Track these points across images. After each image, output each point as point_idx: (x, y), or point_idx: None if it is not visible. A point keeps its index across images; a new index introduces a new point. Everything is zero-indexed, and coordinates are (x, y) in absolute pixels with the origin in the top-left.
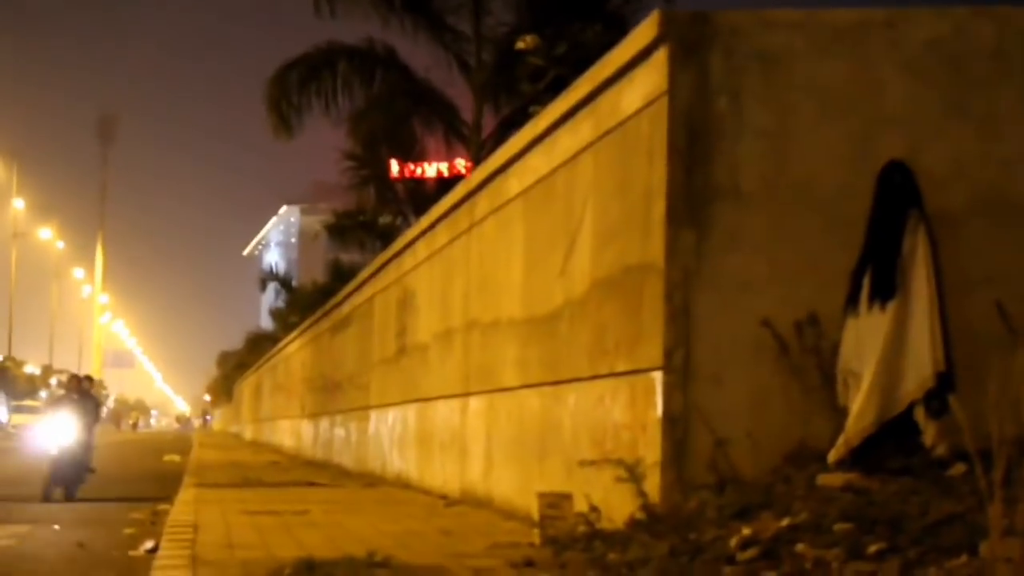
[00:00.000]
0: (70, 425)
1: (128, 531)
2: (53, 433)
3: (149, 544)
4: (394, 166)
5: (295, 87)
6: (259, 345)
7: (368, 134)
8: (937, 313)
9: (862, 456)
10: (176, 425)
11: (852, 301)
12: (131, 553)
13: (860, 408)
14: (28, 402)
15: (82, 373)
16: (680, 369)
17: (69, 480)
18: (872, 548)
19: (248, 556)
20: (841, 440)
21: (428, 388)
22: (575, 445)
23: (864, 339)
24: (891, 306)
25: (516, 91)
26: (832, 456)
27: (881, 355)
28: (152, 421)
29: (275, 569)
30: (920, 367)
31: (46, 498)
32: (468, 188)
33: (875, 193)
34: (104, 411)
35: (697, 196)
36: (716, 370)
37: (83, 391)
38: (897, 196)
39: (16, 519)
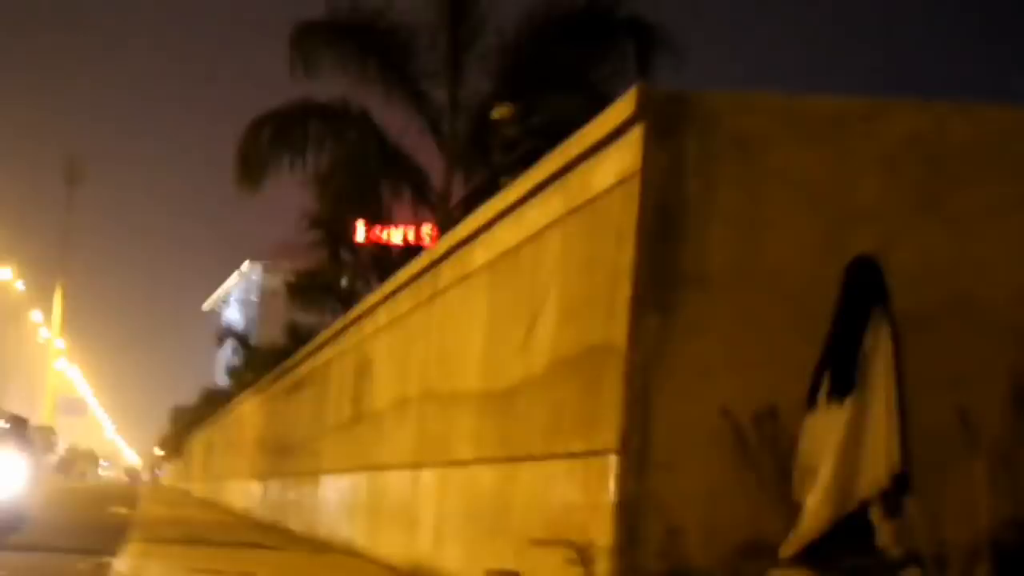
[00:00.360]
0: (10, 469)
1: None
2: None
3: None
4: (360, 229)
5: (265, 142)
6: (213, 402)
7: (335, 195)
8: (895, 413)
9: (815, 553)
10: (125, 477)
11: (812, 397)
12: None
13: (815, 505)
14: None
15: (30, 417)
16: (636, 454)
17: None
18: None
19: None
20: (794, 536)
21: (381, 457)
22: (526, 523)
23: (821, 435)
24: (848, 403)
25: (488, 160)
26: (785, 551)
27: (836, 452)
28: (101, 472)
29: None
30: (876, 466)
31: None
32: (432, 257)
33: (841, 288)
34: (54, 458)
35: (664, 280)
36: (672, 457)
37: (19, 433)
38: (862, 292)
39: None
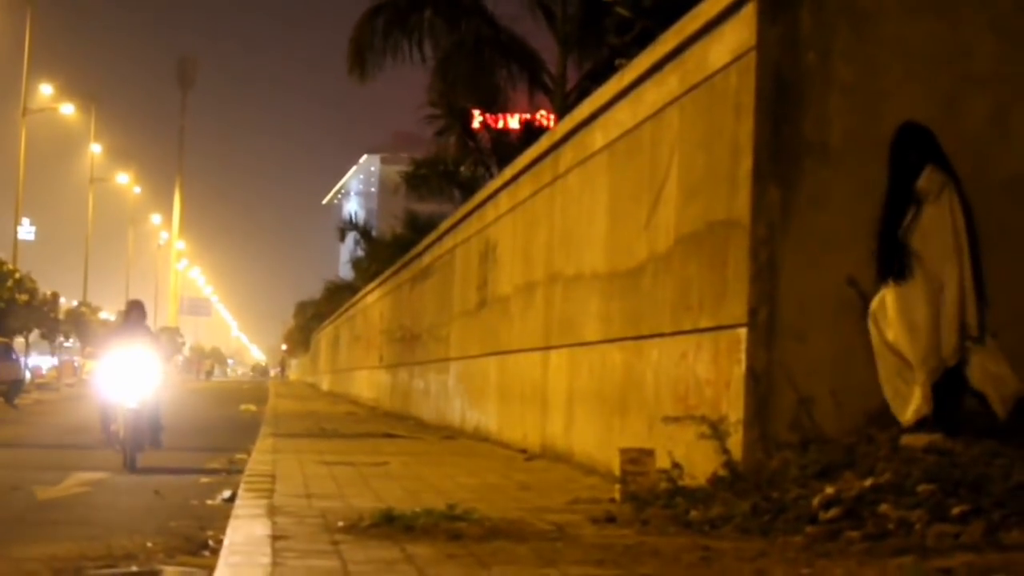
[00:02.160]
0: (140, 370)
1: (205, 480)
2: (117, 379)
3: (226, 493)
4: (476, 116)
5: (380, 31)
6: (337, 295)
7: (451, 83)
8: (969, 279)
9: (942, 418)
10: (252, 374)
11: (887, 269)
12: (208, 502)
13: (915, 376)
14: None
15: (156, 319)
16: (764, 326)
17: (139, 445)
18: (955, 510)
19: (326, 506)
20: (910, 406)
21: (509, 341)
22: (657, 401)
23: (897, 308)
24: (916, 279)
25: (602, 43)
26: (906, 420)
27: (913, 325)
28: (227, 370)
29: (354, 519)
30: (951, 335)
31: (132, 469)
32: (552, 140)
33: (889, 160)
34: (180, 359)
35: (784, 152)
36: (800, 328)
37: (141, 324)
38: (915, 161)
39: (90, 466)
